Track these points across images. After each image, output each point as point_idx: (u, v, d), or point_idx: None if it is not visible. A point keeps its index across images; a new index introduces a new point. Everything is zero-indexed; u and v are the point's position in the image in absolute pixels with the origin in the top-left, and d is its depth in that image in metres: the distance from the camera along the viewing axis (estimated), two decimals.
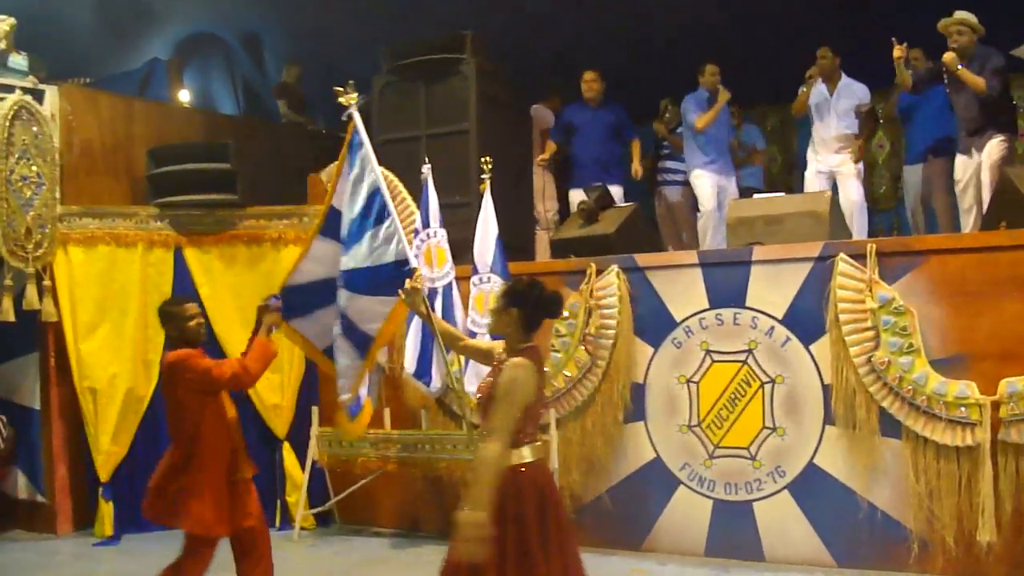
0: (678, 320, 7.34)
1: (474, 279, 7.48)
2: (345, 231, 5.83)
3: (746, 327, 7.11)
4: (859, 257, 6.66)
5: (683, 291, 7.33)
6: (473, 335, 7.30)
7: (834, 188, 8.84)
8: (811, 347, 6.88)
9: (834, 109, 9.11)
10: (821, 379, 6.84)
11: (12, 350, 8.74)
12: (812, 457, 6.88)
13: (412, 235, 7.58)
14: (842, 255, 6.70)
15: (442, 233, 7.42)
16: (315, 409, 8.16)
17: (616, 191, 9.58)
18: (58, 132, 8.58)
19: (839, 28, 9.58)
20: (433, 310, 7.09)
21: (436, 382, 7.40)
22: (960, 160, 8.25)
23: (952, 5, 8.18)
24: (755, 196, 8.49)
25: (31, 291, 8.26)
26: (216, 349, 8.70)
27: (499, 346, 4.61)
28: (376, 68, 9.34)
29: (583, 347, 7.54)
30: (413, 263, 5.55)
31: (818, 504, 6.84)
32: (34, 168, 8.30)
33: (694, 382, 7.28)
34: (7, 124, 8.11)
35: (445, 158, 8.35)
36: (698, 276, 7.27)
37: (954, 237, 7.35)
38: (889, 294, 6.52)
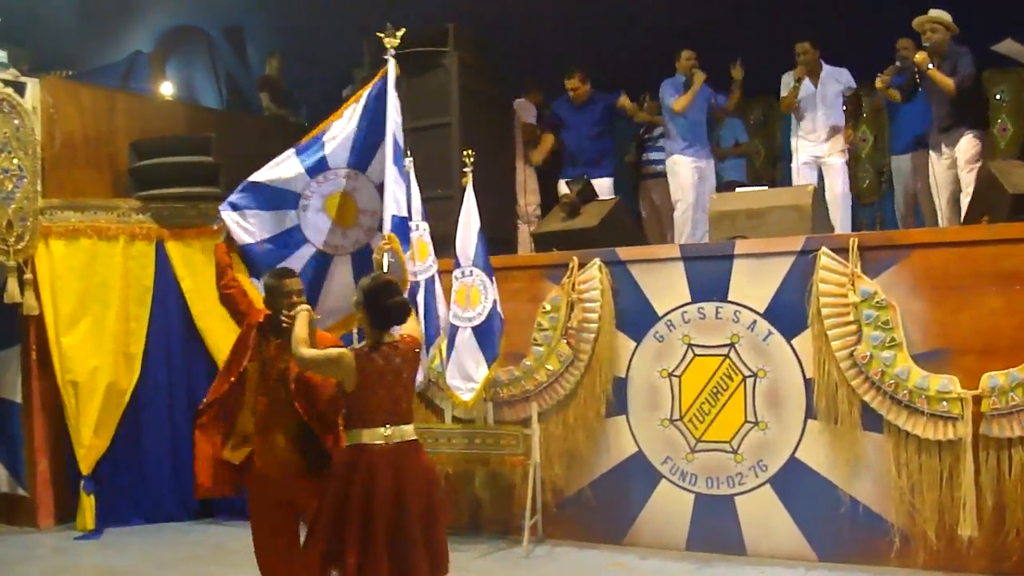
0: (660, 314, 7.33)
1: (456, 272, 7.45)
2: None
3: (728, 321, 7.10)
4: (841, 251, 6.66)
5: (665, 285, 7.33)
6: (455, 329, 7.30)
7: (820, 179, 8.86)
8: (793, 341, 6.88)
9: (821, 99, 9.12)
10: (803, 373, 6.84)
11: None
12: (794, 451, 6.88)
13: None
14: (824, 249, 6.69)
15: (424, 226, 7.38)
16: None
17: (606, 183, 9.60)
18: (39, 125, 8.52)
19: (820, 19, 9.56)
20: (416, 303, 7.14)
21: (418, 376, 7.36)
22: (933, 156, 8.30)
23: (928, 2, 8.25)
24: (737, 190, 8.48)
25: (12, 284, 8.22)
26: (198, 343, 8.71)
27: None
28: (358, 60, 9.31)
29: (565, 341, 7.53)
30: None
31: (800, 498, 6.84)
32: (15, 161, 8.24)
33: (676, 376, 7.28)
34: None
35: (427, 151, 8.31)
36: (680, 270, 7.27)
37: (936, 231, 7.37)
38: (871, 288, 6.52)
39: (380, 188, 5.84)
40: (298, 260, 5.90)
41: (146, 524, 8.57)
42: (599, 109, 9.87)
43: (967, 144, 7.98)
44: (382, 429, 4.61)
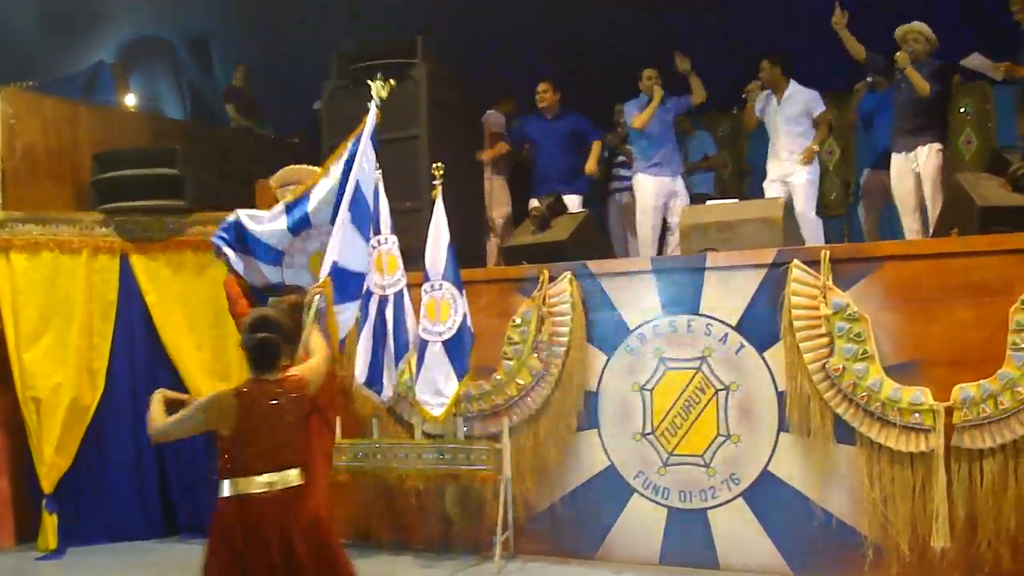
0: (631, 327, 7.29)
1: (425, 286, 7.37)
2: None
3: (700, 334, 7.07)
4: (813, 263, 6.64)
5: (636, 298, 7.29)
6: (425, 343, 7.23)
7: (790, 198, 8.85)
8: (765, 354, 6.86)
9: (781, 117, 9.12)
10: (775, 386, 6.82)
11: None
12: (767, 464, 6.85)
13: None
14: (796, 261, 6.67)
15: (393, 240, 7.31)
16: None
17: (575, 200, 9.57)
18: (0, 136, 8.40)
19: (789, 35, 9.60)
20: (385, 317, 7.08)
21: (387, 391, 7.28)
22: (896, 160, 8.35)
23: (898, 15, 8.33)
24: (708, 203, 8.47)
25: None
26: (164, 358, 8.60)
27: None
28: (326, 73, 9.24)
29: (536, 355, 7.47)
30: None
31: (773, 511, 6.82)
32: None
33: (648, 390, 7.24)
34: None
35: (396, 164, 8.22)
36: (651, 283, 7.24)
37: (907, 244, 7.40)
38: (843, 300, 6.51)
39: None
40: None
41: (110, 543, 8.42)
42: (569, 129, 9.85)
43: (933, 155, 8.05)
44: (264, 476, 4.43)
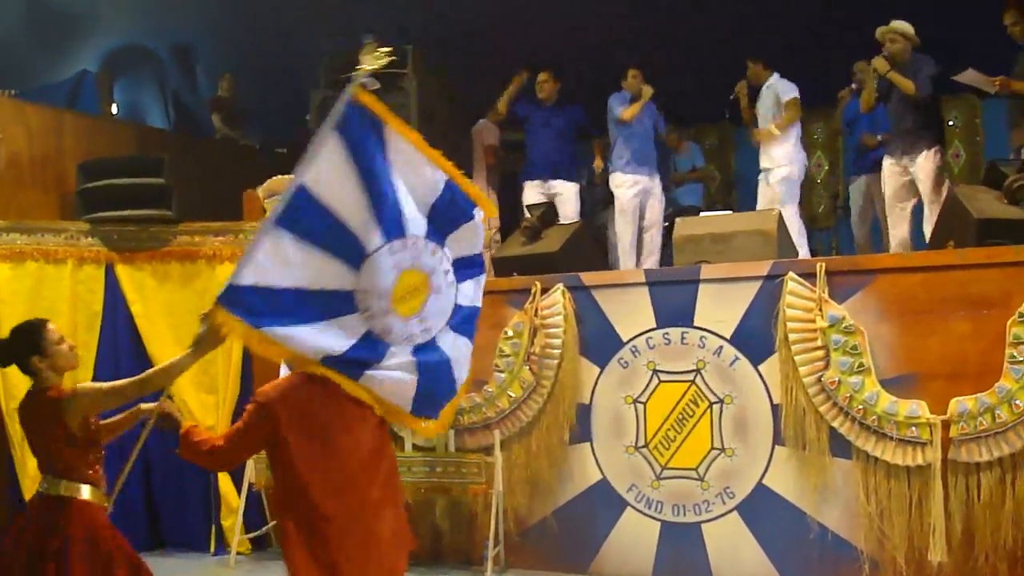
0: (625, 339, 7.24)
1: None
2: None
3: (694, 346, 7.03)
4: (808, 276, 6.61)
5: (630, 310, 7.24)
6: None
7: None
8: (760, 367, 6.82)
9: (762, 111, 9.19)
10: (770, 399, 6.78)
11: None
12: (761, 478, 6.81)
13: None
14: (791, 274, 6.65)
15: None
16: None
17: (571, 188, 9.58)
18: None
19: (775, 48, 9.60)
20: None
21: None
22: (888, 166, 8.34)
23: (879, 19, 8.36)
24: (702, 214, 8.45)
25: None
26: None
27: None
28: (314, 82, 9.19)
29: (528, 367, 7.41)
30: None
31: (768, 525, 6.77)
32: None
33: (641, 402, 7.19)
34: None
35: None
36: (645, 295, 7.19)
37: (903, 256, 7.37)
38: (839, 313, 6.48)
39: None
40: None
41: None
42: (565, 120, 9.82)
43: (930, 159, 8.04)
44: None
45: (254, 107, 12.10)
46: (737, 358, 6.90)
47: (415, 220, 4.22)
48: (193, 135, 12.62)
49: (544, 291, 7.42)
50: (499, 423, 7.47)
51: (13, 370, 7.99)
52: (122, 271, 8.53)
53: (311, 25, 11.36)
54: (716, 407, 6.97)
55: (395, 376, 4.19)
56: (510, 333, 7.47)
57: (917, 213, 8.30)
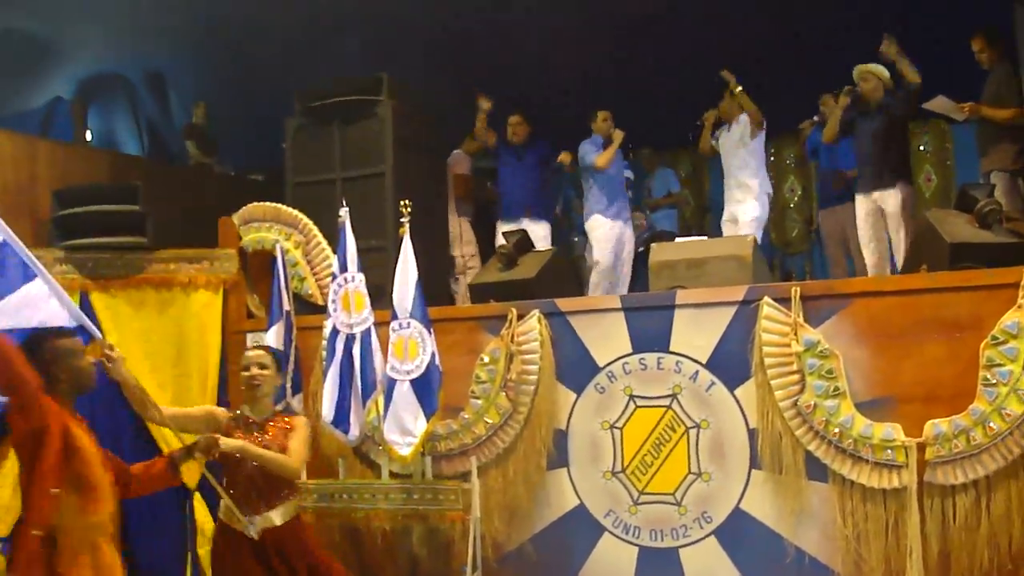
0: (601, 365, 7.25)
1: (393, 324, 7.27)
2: None
3: (670, 372, 7.04)
4: (783, 301, 6.64)
5: (606, 336, 7.25)
6: (393, 382, 7.11)
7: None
8: (736, 391, 6.84)
9: (729, 145, 9.32)
10: (747, 423, 6.80)
11: None
12: (738, 502, 6.82)
13: (329, 279, 7.43)
14: (767, 299, 6.67)
15: (360, 278, 7.25)
16: None
17: (543, 228, 9.63)
18: None
19: (747, 74, 9.69)
20: (352, 356, 7.02)
21: (354, 430, 7.19)
22: (860, 200, 8.47)
23: (850, 55, 8.50)
24: (677, 240, 8.50)
25: None
26: (124, 398, 8.39)
27: (220, 412, 5.79)
28: (289, 110, 9.19)
29: (504, 393, 7.39)
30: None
31: (745, 549, 6.77)
32: None
33: (618, 428, 7.19)
34: None
35: (360, 201, 8.21)
36: (621, 320, 7.20)
37: (878, 280, 7.44)
38: (814, 337, 6.51)
39: None
40: None
41: None
42: (537, 157, 9.90)
43: (899, 192, 8.20)
44: None
45: (228, 134, 12.09)
46: (713, 383, 6.91)
47: None
48: (168, 162, 12.58)
49: (520, 317, 7.42)
50: (476, 449, 7.44)
51: None
52: (97, 299, 8.45)
53: (286, 52, 11.37)
54: (693, 432, 6.97)
55: None
56: (486, 359, 7.46)
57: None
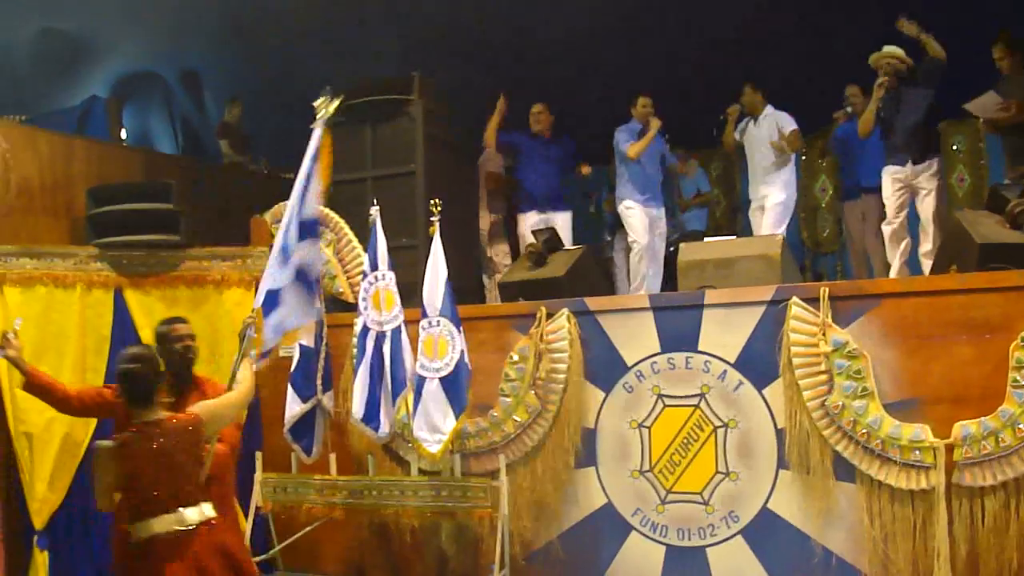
0: (629, 364, 7.27)
1: (423, 323, 7.33)
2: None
3: (698, 371, 7.06)
4: (812, 301, 6.64)
5: (635, 335, 7.27)
6: (423, 380, 7.16)
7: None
8: (764, 391, 6.85)
9: (756, 140, 9.30)
10: (774, 423, 6.81)
11: None
12: (766, 502, 6.83)
13: (360, 278, 7.50)
14: (795, 299, 6.68)
15: (391, 276, 7.30)
16: (259, 455, 7.96)
17: (565, 218, 9.65)
18: None
19: (775, 72, 9.69)
20: (383, 353, 7.08)
21: (384, 427, 7.25)
22: (888, 172, 8.45)
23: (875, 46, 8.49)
24: (706, 239, 8.50)
25: None
26: None
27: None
28: None
29: (533, 392, 7.44)
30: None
31: (772, 549, 6.78)
32: None
33: (646, 427, 7.21)
34: None
35: (392, 200, 8.25)
36: (650, 320, 7.22)
37: (907, 281, 7.41)
38: (843, 338, 6.51)
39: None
40: None
41: None
42: (562, 152, 9.92)
43: (933, 175, 8.24)
44: (165, 516, 4.59)
45: (261, 132, 12.18)
46: (741, 382, 6.93)
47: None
48: (201, 160, 12.68)
49: (549, 316, 7.46)
50: (504, 447, 7.49)
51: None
52: (131, 295, 8.56)
53: (318, 50, 11.45)
54: (720, 431, 6.99)
55: None
56: (515, 358, 7.50)
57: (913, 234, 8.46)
